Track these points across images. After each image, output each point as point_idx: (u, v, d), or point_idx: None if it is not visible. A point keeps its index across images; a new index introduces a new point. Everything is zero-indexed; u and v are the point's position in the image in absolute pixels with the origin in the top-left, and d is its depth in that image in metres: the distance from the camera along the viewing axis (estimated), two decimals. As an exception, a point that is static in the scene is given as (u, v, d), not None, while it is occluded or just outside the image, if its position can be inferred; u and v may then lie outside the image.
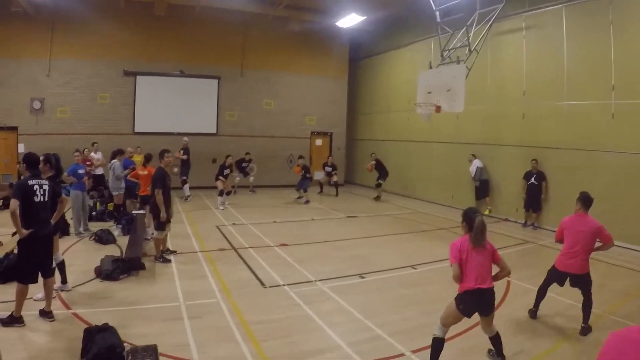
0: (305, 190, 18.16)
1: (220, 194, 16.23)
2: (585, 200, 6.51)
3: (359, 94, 25.99)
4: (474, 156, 16.32)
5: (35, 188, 5.97)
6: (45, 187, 6.11)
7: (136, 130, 20.03)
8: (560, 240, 6.55)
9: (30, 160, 6.27)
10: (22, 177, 6.78)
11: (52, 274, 6.31)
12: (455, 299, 4.97)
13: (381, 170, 19.37)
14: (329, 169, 20.19)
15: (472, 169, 16.21)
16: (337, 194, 19.75)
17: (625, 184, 12.00)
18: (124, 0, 18.47)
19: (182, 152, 17.46)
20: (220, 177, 16.39)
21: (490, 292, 4.90)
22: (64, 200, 6.61)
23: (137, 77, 20.13)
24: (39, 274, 6.05)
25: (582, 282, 6.23)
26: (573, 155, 13.47)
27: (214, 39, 21.44)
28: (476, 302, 4.89)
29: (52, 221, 6.35)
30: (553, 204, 13.97)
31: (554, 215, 13.58)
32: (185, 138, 18.16)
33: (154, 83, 20.45)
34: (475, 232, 4.89)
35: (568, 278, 6.36)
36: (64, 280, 7.18)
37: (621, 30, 12.26)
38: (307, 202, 17.81)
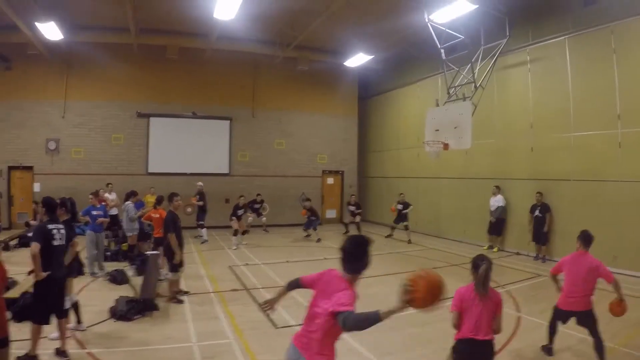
0: (315, 229, 18.24)
1: (235, 233, 16.36)
2: (586, 239, 6.56)
3: (369, 132, 26.26)
4: (498, 189, 16.21)
5: (54, 232, 6.20)
6: (63, 231, 6.34)
7: (149, 170, 20.42)
8: (555, 274, 6.66)
9: (50, 205, 6.50)
10: (40, 220, 7.01)
11: (66, 315, 6.45)
12: (453, 347, 4.99)
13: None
14: (352, 207, 20.08)
15: (493, 203, 16.18)
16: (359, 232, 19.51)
17: (634, 212, 12.04)
18: (136, 44, 18.96)
19: (197, 197, 17.48)
20: (234, 218, 16.54)
21: (484, 344, 4.76)
22: (75, 244, 6.80)
23: (150, 118, 20.63)
24: (53, 315, 6.20)
25: (587, 319, 6.23)
26: (582, 187, 13.58)
27: (225, 81, 21.93)
28: (469, 352, 4.83)
29: (65, 263, 6.53)
30: (562, 235, 13.99)
31: (564, 247, 13.58)
32: (200, 183, 18.13)
33: (167, 124, 20.91)
34: (478, 281, 4.87)
35: (574, 317, 6.39)
36: (79, 320, 7.30)
37: (624, 59, 12.48)
38: (318, 240, 17.81)
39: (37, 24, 15.63)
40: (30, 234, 9.38)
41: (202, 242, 16.99)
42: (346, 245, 3.82)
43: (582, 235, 6.60)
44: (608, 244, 12.23)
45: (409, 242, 18.06)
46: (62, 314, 6.36)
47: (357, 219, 19.75)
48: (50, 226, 6.24)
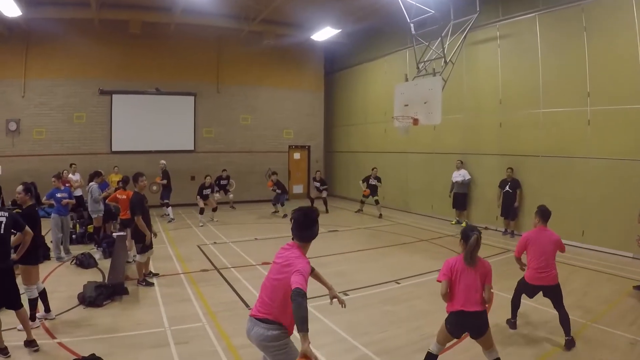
0: (282, 205, 18.14)
1: (201, 212, 16.27)
2: (544, 214, 6.67)
3: (335, 107, 26.14)
4: (462, 163, 16.35)
5: None
6: (1, 219, 5.91)
7: (113, 149, 19.85)
8: (519, 256, 6.73)
9: None
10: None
11: (20, 306, 6.07)
12: (445, 318, 4.98)
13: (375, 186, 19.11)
14: (317, 184, 20.03)
15: (455, 177, 16.28)
16: (327, 211, 19.30)
17: (602, 189, 12.22)
18: (98, 20, 18.29)
19: (161, 176, 17.18)
20: (199, 197, 16.46)
21: (476, 315, 4.76)
22: (27, 234, 6.37)
23: (113, 96, 19.97)
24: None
25: (554, 292, 6.34)
26: (550, 163, 13.72)
27: (189, 56, 21.45)
28: (461, 324, 4.86)
29: (17, 255, 6.25)
30: (530, 211, 13.86)
31: (532, 222, 13.82)
32: (163, 161, 17.69)
33: (130, 101, 20.34)
34: (467, 250, 4.88)
35: (540, 291, 6.50)
36: (47, 309, 7.06)
37: (595, 37, 12.52)
38: (284, 216, 17.71)
39: None
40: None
41: (169, 222, 16.73)
42: (296, 216, 4.11)
43: (540, 211, 6.72)
44: (576, 219, 12.42)
45: (380, 216, 18.21)
46: (14, 306, 6.00)
47: (324, 194, 19.73)
48: None
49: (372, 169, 19.06)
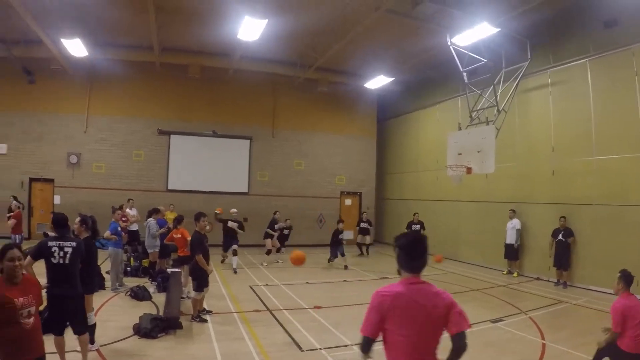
0: (342, 254, 17.21)
1: (268, 252, 16.75)
2: (628, 279, 6.23)
3: (387, 154, 26.27)
4: (514, 212, 16.13)
5: (53, 249, 6.10)
6: (68, 249, 6.18)
7: (169, 187, 20.59)
8: (620, 329, 5.96)
9: (58, 221, 6.51)
10: (75, 234, 7.05)
11: (86, 331, 6.39)
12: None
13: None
14: (364, 224, 20.08)
15: (509, 227, 16.08)
16: (367, 253, 19.42)
17: None
18: (159, 62, 19.21)
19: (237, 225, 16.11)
20: (269, 237, 17.03)
21: None
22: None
23: (171, 136, 20.81)
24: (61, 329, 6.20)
25: None
26: (604, 211, 13.44)
27: (245, 100, 22.16)
28: None
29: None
30: (585, 260, 13.88)
31: (586, 272, 13.70)
32: (234, 209, 16.73)
33: (187, 142, 21.16)
34: None
35: None
36: (91, 341, 7.18)
37: None
38: (346, 267, 17.01)
39: (62, 39, 15.95)
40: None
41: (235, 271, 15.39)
42: (405, 242, 3.72)
43: (624, 276, 6.26)
44: (631, 269, 12.11)
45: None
46: (81, 331, 6.32)
47: (367, 239, 19.72)
48: (51, 243, 6.16)
49: (414, 215, 19.26)
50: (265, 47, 17.67)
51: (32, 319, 4.25)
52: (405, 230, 17.94)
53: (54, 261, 6.09)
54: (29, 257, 5.87)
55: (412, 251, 3.64)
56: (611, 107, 13.46)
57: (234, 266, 15.09)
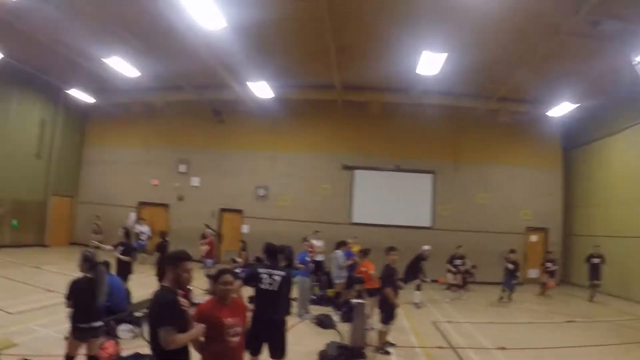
0: (511, 290, 16.71)
1: (448, 287, 16.93)
2: None
3: (574, 186, 24.38)
4: None
5: (263, 276, 6.57)
6: (277, 277, 6.60)
7: (353, 221, 21.24)
8: None
9: (269, 251, 7.02)
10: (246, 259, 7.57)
11: (256, 354, 6.47)
12: None
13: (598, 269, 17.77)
14: (549, 264, 19.10)
15: None
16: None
17: None
18: (340, 100, 20.11)
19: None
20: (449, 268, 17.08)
21: None
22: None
23: (355, 170, 21.51)
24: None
25: None
26: None
27: (426, 134, 22.27)
28: None
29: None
30: None
31: None
32: (427, 247, 16.40)
33: (371, 177, 21.86)
34: None
35: None
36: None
37: None
38: (501, 299, 16.56)
39: (247, 83, 17.57)
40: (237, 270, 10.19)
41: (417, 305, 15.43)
42: None
43: None
44: None
45: (591, 299, 17.41)
46: (282, 355, 6.58)
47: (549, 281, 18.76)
48: (261, 270, 6.68)
49: (595, 246, 18.27)
50: (444, 80, 17.59)
51: (237, 338, 4.67)
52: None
53: (263, 287, 6.58)
54: (239, 281, 6.39)
55: None
56: None
57: (416, 301, 14.99)
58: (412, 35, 14.12)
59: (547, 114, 20.69)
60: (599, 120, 21.62)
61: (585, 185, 23.40)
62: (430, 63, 14.61)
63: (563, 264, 22.77)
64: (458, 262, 17.68)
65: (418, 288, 15.13)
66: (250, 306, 6.22)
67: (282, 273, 6.72)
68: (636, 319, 14.87)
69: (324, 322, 11.16)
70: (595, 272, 17.67)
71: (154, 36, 15.31)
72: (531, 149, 23.51)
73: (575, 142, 24.29)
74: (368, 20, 13.99)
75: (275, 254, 7.03)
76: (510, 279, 16.70)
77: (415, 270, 15.24)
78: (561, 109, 19.76)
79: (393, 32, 14.43)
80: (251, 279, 6.68)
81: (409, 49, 14.79)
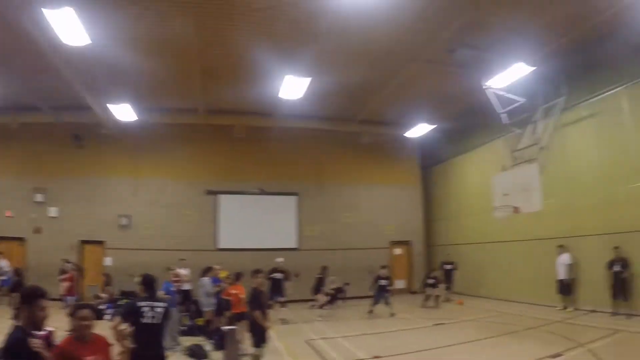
0: (388, 303, 17.12)
1: (321, 306, 16.91)
2: None
3: (434, 200, 26.34)
4: (563, 247, 16.00)
5: (144, 310, 6.27)
6: (159, 309, 6.33)
7: (219, 246, 20.95)
8: None
9: (147, 282, 6.61)
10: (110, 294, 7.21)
11: None
12: None
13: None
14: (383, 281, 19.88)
15: (560, 265, 15.95)
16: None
17: None
18: (205, 124, 20.06)
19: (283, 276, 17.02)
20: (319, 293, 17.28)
21: None
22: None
23: (219, 195, 21.32)
24: None
25: None
26: None
27: (290, 157, 22.69)
28: None
29: None
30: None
31: None
32: (280, 259, 17.78)
33: (235, 201, 21.76)
34: None
35: None
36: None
37: None
38: (392, 314, 16.82)
39: (109, 105, 16.91)
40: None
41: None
42: None
43: None
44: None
45: (447, 300, 19.09)
46: None
47: (436, 291, 19.29)
48: (140, 303, 6.36)
49: (447, 254, 20.91)
50: (307, 104, 18.25)
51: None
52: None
53: (144, 321, 6.20)
54: (118, 318, 6.06)
55: None
56: None
57: (283, 317, 15.32)
58: (276, 59, 14.52)
59: (406, 134, 22.04)
60: (455, 140, 23.61)
61: (443, 199, 25.41)
62: (293, 87, 14.98)
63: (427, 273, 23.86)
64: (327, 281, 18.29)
65: (282, 305, 15.74)
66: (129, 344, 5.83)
67: (163, 304, 6.48)
68: (498, 315, 16.10)
69: (196, 353, 10.90)
70: (448, 276, 19.81)
71: (6, 50, 14.07)
72: (392, 168, 24.91)
73: (432, 160, 26.24)
74: (233, 43, 14.09)
75: (152, 284, 6.76)
76: (383, 293, 17.24)
77: (279, 288, 16.15)
78: (419, 130, 21.27)
79: (257, 56, 14.61)
80: (131, 313, 6.31)
81: (273, 73, 15.18)
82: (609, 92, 14.75)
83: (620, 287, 13.85)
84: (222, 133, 21.12)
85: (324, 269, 18.71)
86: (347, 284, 19.19)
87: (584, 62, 15.54)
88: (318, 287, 17.59)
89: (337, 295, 18.50)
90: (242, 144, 21.54)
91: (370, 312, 16.94)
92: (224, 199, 21.61)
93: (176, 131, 20.79)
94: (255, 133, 21.39)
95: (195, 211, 21.24)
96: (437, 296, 19.09)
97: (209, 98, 18.14)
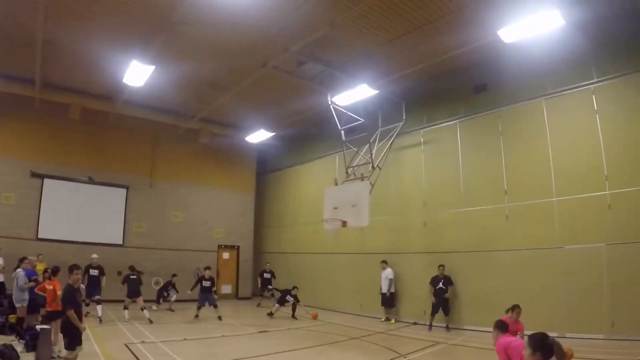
0: (215, 306, 17.22)
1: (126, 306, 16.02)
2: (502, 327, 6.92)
3: (266, 207, 26.78)
4: (386, 263, 17.08)
5: None
6: None
7: (39, 236, 19.06)
8: None
9: None
10: None
11: None
12: None
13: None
14: (268, 275, 21.39)
15: (383, 279, 16.98)
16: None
17: (521, 276, 13.39)
18: (39, 99, 18.34)
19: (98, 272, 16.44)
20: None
21: None
22: None
23: (45, 179, 19.47)
24: None
25: None
26: (473, 257, 14.88)
27: (125, 147, 21.60)
28: None
29: None
30: (456, 303, 15.13)
31: (457, 314, 15.03)
32: (95, 255, 17.02)
33: (62, 188, 19.85)
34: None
35: None
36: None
37: (510, 140, 14.34)
38: (220, 318, 16.88)
39: None
40: None
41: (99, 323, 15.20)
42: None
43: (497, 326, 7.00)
44: (499, 305, 13.00)
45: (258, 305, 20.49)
46: None
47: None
48: None
49: (266, 264, 21.96)
50: (149, 94, 17.69)
51: None
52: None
53: None
54: None
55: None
56: (478, 163, 15.16)
57: (99, 314, 14.77)
58: (124, 42, 13.95)
59: (246, 139, 22.07)
60: (293, 150, 24.40)
61: (276, 207, 25.92)
62: (137, 74, 14.35)
63: (254, 279, 24.27)
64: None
65: (98, 302, 15.21)
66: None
67: None
68: (324, 324, 16.60)
69: (5, 354, 10.05)
70: (266, 285, 20.94)
71: None
72: (228, 171, 24.92)
73: (270, 167, 26.77)
74: (83, 16, 12.99)
75: None
76: (207, 295, 17.23)
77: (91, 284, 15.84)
78: (259, 136, 21.37)
79: (106, 35, 13.88)
80: None
81: (119, 57, 14.46)
82: (444, 124, 16.32)
83: (442, 303, 15.07)
84: (56, 111, 19.20)
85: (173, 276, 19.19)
86: (174, 275, 19.24)
87: (425, 93, 16.99)
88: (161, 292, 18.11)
89: (162, 293, 18.63)
90: (76, 126, 19.83)
91: (196, 316, 16.84)
92: (49, 184, 19.65)
93: (6, 102, 18.26)
94: (92, 117, 19.97)
95: (17, 194, 18.97)
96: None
97: (48, 70, 16.61)
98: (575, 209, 12.65)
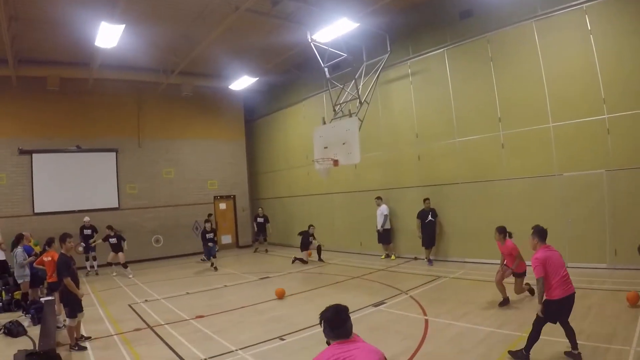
0: (214, 257, 17.81)
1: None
2: (542, 233, 6.69)
3: (258, 154, 26.72)
4: (381, 199, 17.01)
5: None
6: None
7: (36, 211, 19.17)
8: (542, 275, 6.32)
9: None
10: None
11: None
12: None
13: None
14: (261, 219, 21.70)
15: (379, 216, 16.92)
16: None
17: (520, 206, 13.18)
18: (15, 77, 18.01)
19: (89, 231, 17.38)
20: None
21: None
22: None
23: (33, 155, 19.35)
24: None
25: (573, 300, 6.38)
26: (470, 188, 14.62)
27: (108, 111, 21.29)
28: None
29: None
30: (454, 236, 15.13)
31: (457, 247, 14.98)
32: (87, 217, 17.94)
33: (51, 160, 19.81)
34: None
35: (566, 306, 6.35)
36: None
37: (501, 65, 13.71)
38: (215, 268, 17.40)
39: None
40: None
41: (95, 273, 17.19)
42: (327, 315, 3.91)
43: (537, 231, 6.73)
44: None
45: (266, 251, 21.04)
46: None
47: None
48: None
49: (259, 209, 22.13)
50: (125, 55, 17.24)
51: None
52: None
53: None
54: None
55: (335, 322, 3.81)
56: (469, 91, 14.66)
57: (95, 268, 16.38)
58: (90, 4, 13.45)
59: (229, 87, 21.63)
60: (279, 94, 24.00)
61: (267, 153, 25.84)
62: (108, 35, 13.94)
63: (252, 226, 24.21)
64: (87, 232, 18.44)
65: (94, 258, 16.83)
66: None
67: None
68: (326, 265, 16.98)
69: (12, 331, 10.09)
70: (260, 229, 21.20)
71: None
72: (215, 122, 24.59)
73: (257, 113, 26.51)
74: None
75: None
76: (213, 246, 17.66)
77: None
78: (242, 83, 20.92)
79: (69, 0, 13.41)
80: None
81: (87, 20, 13.97)
82: (431, 53, 15.75)
83: (432, 236, 15.17)
84: (35, 86, 19.04)
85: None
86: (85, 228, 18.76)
87: (409, 23, 16.40)
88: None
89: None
90: (56, 97, 19.69)
91: (215, 268, 17.54)
92: (38, 159, 19.57)
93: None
94: (71, 85, 19.75)
95: (8, 174, 19.04)
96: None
97: (19, 46, 16.27)
98: (572, 135, 12.25)
